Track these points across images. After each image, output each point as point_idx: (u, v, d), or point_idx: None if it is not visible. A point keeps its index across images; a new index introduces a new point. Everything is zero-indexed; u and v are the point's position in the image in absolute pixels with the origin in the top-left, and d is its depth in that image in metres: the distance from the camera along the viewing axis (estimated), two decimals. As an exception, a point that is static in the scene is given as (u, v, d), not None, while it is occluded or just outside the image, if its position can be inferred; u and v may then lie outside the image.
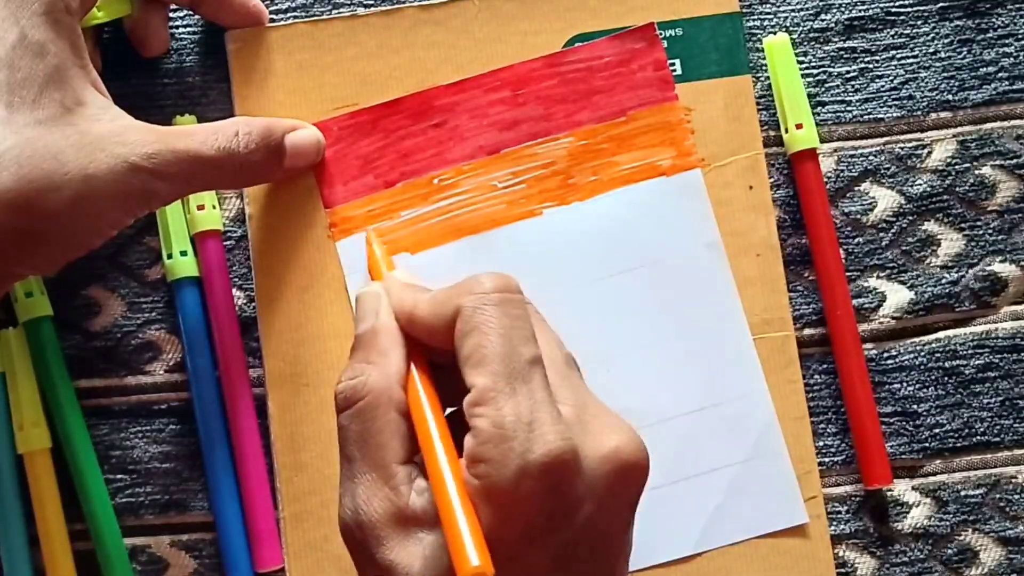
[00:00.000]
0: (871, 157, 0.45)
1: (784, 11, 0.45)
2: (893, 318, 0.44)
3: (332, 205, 0.43)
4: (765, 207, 0.44)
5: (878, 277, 0.44)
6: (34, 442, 0.42)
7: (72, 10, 0.37)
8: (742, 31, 0.44)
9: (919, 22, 0.45)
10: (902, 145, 0.45)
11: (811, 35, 0.45)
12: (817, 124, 0.44)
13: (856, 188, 0.45)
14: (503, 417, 0.31)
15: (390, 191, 0.43)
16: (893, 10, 0.45)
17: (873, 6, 0.45)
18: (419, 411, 0.34)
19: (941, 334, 0.44)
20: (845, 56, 0.45)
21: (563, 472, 0.31)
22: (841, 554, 0.43)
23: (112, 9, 0.42)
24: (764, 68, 0.45)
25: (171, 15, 0.44)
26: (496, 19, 0.44)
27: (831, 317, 0.43)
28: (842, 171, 0.45)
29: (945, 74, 0.45)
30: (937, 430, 0.44)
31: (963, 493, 0.44)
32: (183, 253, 0.43)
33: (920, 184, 0.45)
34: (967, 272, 0.44)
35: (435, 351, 0.35)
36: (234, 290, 0.43)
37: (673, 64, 0.44)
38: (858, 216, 0.45)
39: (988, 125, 0.45)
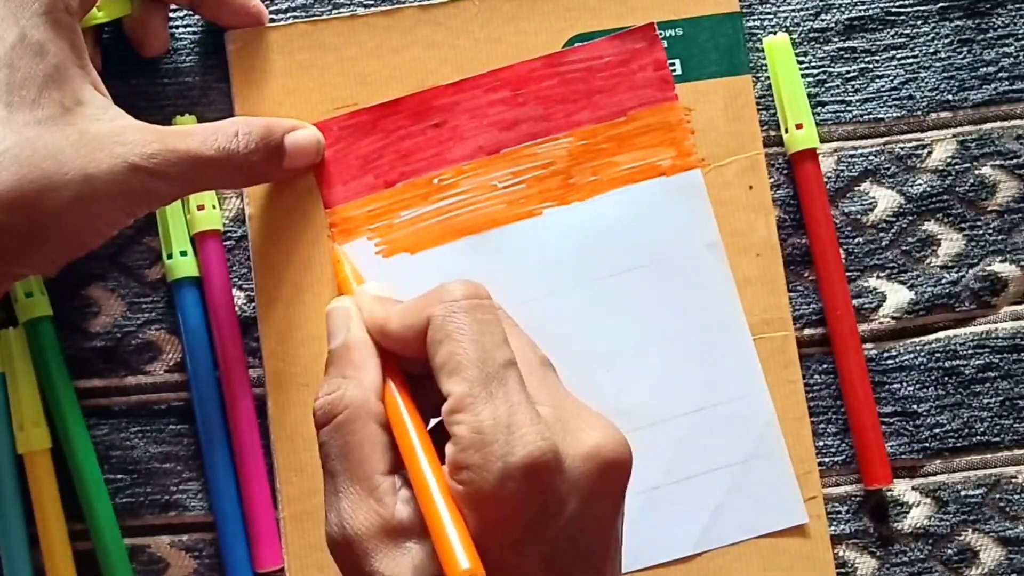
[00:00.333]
0: (871, 157, 0.45)
1: (784, 11, 0.45)
2: (893, 318, 0.44)
3: (332, 205, 0.43)
4: (765, 207, 0.44)
5: (878, 277, 0.44)
6: (34, 442, 0.42)
7: (72, 10, 0.37)
8: (742, 31, 0.44)
9: (919, 22, 0.45)
10: (902, 145, 0.45)
11: (811, 35, 0.45)
12: (817, 124, 0.44)
13: (856, 188, 0.45)
14: (482, 422, 0.31)
15: (390, 191, 0.43)
16: (893, 10, 0.45)
17: (873, 6, 0.45)
18: (399, 422, 0.34)
19: (941, 334, 0.44)
20: (845, 56, 0.45)
21: (545, 472, 0.31)
22: (841, 554, 0.43)
23: (112, 9, 0.42)
24: (764, 68, 0.45)
25: (171, 15, 0.44)
26: (496, 19, 0.44)
27: (831, 317, 0.43)
28: (842, 171, 0.45)
29: (945, 74, 0.45)
30: (937, 430, 0.44)
31: (963, 493, 0.44)
32: (183, 253, 0.43)
33: (920, 184, 0.45)
34: (967, 272, 0.44)
35: (409, 361, 0.35)
36: (234, 290, 0.43)
37: (673, 64, 0.44)
38: (858, 216, 0.45)
39: (988, 125, 0.45)
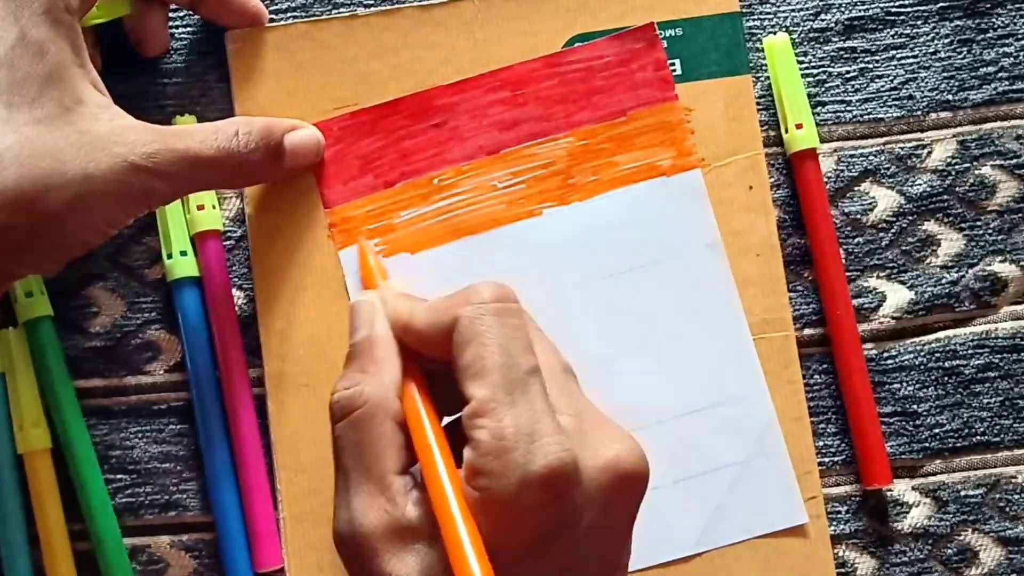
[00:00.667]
0: (871, 157, 0.45)
1: (784, 11, 0.45)
2: (893, 318, 0.44)
3: (332, 205, 0.43)
4: (765, 207, 0.44)
5: (878, 277, 0.44)
6: (34, 442, 0.42)
7: (72, 9, 0.37)
8: (742, 31, 0.44)
9: (919, 22, 0.45)
10: (902, 145, 0.45)
11: (811, 35, 0.45)
12: (817, 124, 0.44)
13: (856, 188, 0.45)
14: (503, 428, 0.31)
15: (390, 191, 0.43)
16: (893, 10, 0.45)
17: (873, 6, 0.45)
18: (416, 422, 0.33)
19: (941, 334, 0.44)
20: (845, 56, 0.45)
21: (564, 483, 0.31)
22: (841, 554, 0.43)
23: (111, 9, 0.42)
24: (764, 68, 0.45)
25: (171, 15, 0.44)
26: (496, 19, 0.44)
27: (831, 317, 0.43)
28: (842, 171, 0.45)
29: (945, 74, 0.45)
30: (937, 430, 0.44)
31: (963, 493, 0.44)
32: (183, 253, 0.43)
33: (920, 184, 0.45)
34: (967, 272, 0.44)
35: (430, 360, 0.35)
36: (234, 290, 0.43)
37: (673, 64, 0.44)
38: (858, 216, 0.45)
39: (988, 125, 0.45)
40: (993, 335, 0.44)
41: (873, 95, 0.45)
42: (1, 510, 0.42)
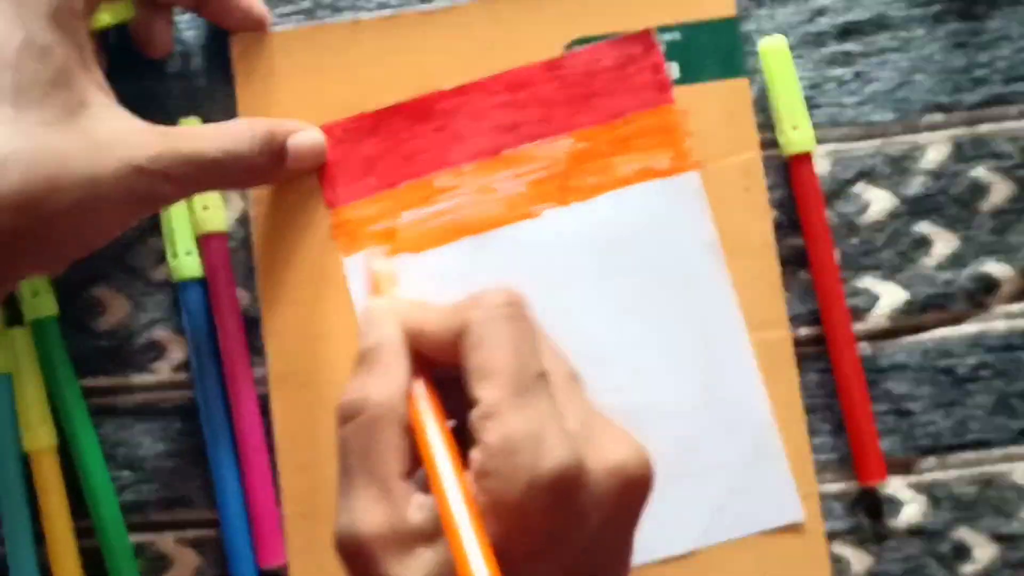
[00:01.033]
0: (866, 159, 0.45)
1: (780, 15, 0.45)
2: (887, 318, 0.45)
3: (335, 206, 0.44)
4: (762, 208, 0.44)
5: (873, 277, 0.45)
6: (40, 440, 0.42)
7: (77, 12, 0.37)
8: (739, 35, 0.45)
9: (914, 25, 0.46)
10: (897, 147, 0.45)
11: (807, 38, 0.45)
12: (812, 126, 0.45)
13: (851, 189, 0.45)
14: (512, 430, 0.31)
15: (392, 192, 0.44)
16: (888, 14, 0.46)
17: (868, 10, 0.46)
18: (424, 426, 0.33)
19: (935, 333, 0.45)
20: (840, 59, 0.45)
21: (571, 486, 0.31)
22: (836, 551, 0.44)
23: (115, 13, 0.43)
24: (760, 71, 0.45)
25: (177, 18, 0.45)
26: (497, 24, 0.44)
27: (826, 317, 0.44)
28: (837, 173, 0.45)
29: (939, 77, 0.45)
30: (931, 428, 0.44)
31: (957, 490, 0.44)
32: (188, 253, 0.43)
33: (914, 185, 0.45)
34: (961, 272, 0.45)
35: (440, 366, 0.35)
36: (238, 289, 0.44)
37: (671, 67, 0.44)
38: (853, 217, 0.45)
39: (982, 127, 0.45)
40: (987, 335, 0.45)
41: (868, 98, 0.45)
42: (7, 508, 0.42)
